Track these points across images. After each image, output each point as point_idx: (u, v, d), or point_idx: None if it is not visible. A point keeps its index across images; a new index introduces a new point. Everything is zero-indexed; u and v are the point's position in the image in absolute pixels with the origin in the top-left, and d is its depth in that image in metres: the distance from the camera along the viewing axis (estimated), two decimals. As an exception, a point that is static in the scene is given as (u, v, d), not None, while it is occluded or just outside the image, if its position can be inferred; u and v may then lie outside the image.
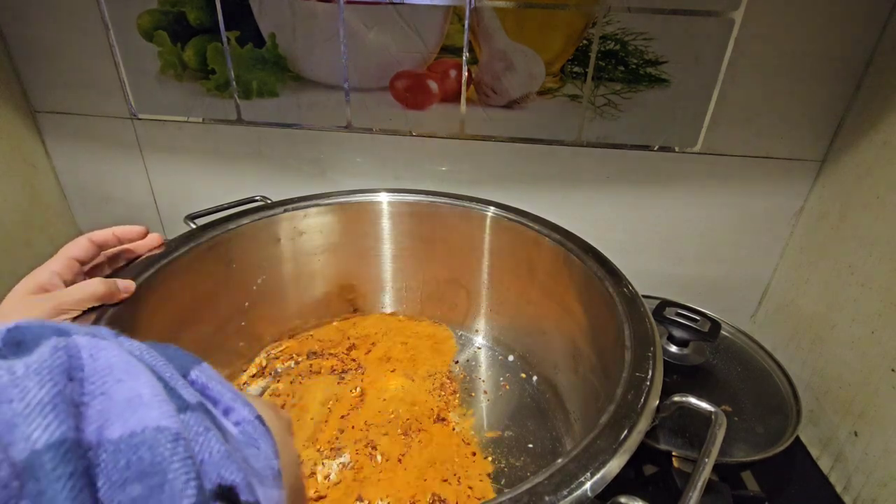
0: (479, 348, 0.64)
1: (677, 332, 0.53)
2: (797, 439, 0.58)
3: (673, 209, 0.67)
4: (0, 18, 0.67)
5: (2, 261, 0.70)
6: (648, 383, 0.36)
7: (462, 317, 0.66)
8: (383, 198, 0.62)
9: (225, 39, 0.64)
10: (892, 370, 0.48)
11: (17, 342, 0.12)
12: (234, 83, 0.66)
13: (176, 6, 0.62)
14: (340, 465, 0.47)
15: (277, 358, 0.60)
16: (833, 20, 0.54)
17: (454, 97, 0.64)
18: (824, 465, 0.56)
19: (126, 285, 0.41)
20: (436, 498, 0.44)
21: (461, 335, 0.65)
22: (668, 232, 0.69)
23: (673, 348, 0.55)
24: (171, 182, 0.76)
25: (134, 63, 0.67)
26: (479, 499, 0.44)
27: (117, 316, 0.40)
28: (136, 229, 0.46)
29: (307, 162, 0.71)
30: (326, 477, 0.46)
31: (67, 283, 0.38)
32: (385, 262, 0.66)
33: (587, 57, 0.59)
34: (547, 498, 0.28)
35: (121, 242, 0.45)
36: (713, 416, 0.35)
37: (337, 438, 0.50)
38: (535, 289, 0.58)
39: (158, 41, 0.65)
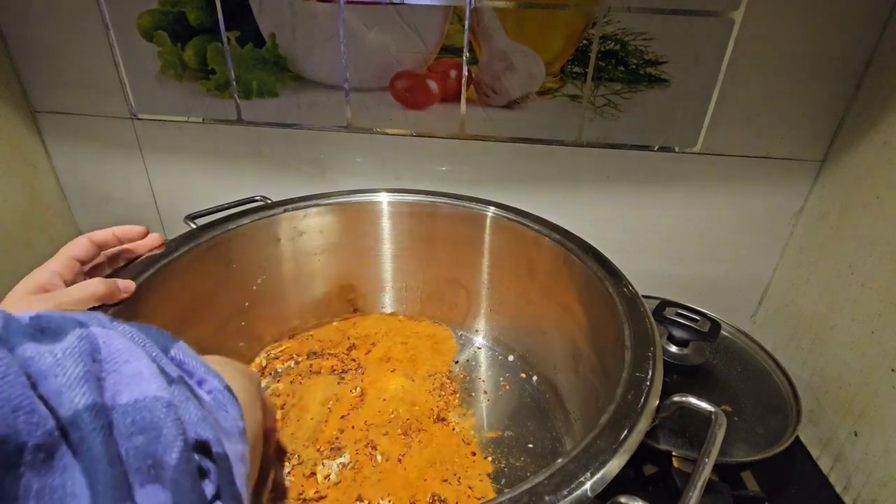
0: (479, 348, 0.64)
1: (677, 332, 0.53)
2: (797, 439, 0.58)
3: (673, 209, 0.67)
4: (0, 18, 0.67)
5: (2, 261, 0.70)
6: (648, 383, 0.36)
7: (462, 317, 0.66)
8: (383, 198, 0.62)
9: (225, 39, 0.64)
10: (892, 370, 0.48)
11: (42, 329, 0.16)
12: (234, 83, 0.66)
13: (176, 6, 0.62)
14: (340, 465, 0.47)
15: (277, 358, 0.60)
16: (833, 20, 0.54)
17: (454, 97, 0.64)
18: (824, 465, 0.56)
19: (126, 285, 0.41)
20: (436, 498, 0.44)
21: (461, 335, 0.65)
22: (668, 232, 0.69)
23: (673, 348, 0.55)
24: (171, 182, 0.76)
25: (134, 63, 0.67)
26: (479, 499, 0.44)
27: (117, 316, 0.40)
28: (136, 229, 0.46)
29: (307, 162, 0.71)
30: (326, 477, 0.46)
31: (68, 283, 0.38)
32: (385, 262, 0.66)
33: (587, 57, 0.59)
34: (547, 498, 0.28)
35: (121, 242, 0.45)
36: (713, 416, 0.35)
37: (337, 438, 0.50)
38: (535, 289, 0.58)
39: (158, 41, 0.65)
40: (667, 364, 0.51)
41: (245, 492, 0.18)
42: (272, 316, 0.62)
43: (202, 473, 0.16)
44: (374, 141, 0.68)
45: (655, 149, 0.64)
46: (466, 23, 0.59)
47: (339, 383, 0.57)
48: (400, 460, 0.48)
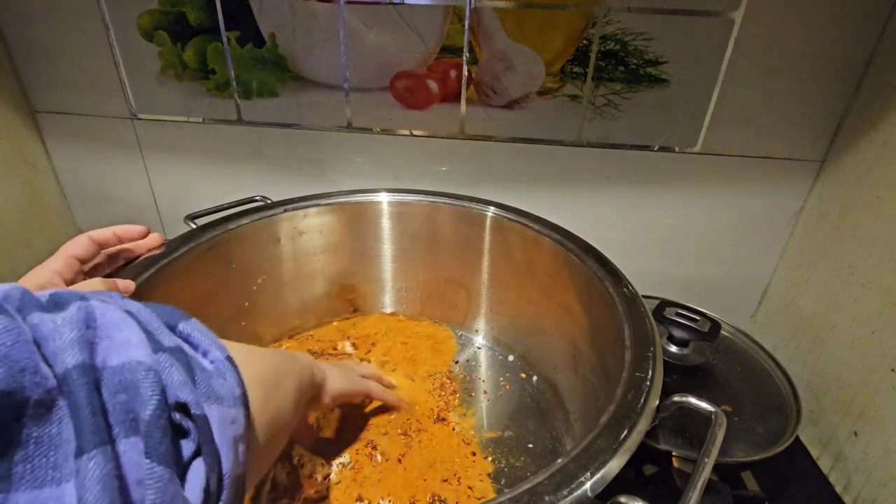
0: (479, 348, 0.64)
1: (677, 332, 0.53)
2: (797, 439, 0.58)
3: (673, 209, 0.67)
4: (0, 18, 0.67)
5: (2, 261, 0.70)
6: (648, 383, 0.36)
7: (462, 317, 0.66)
8: (383, 198, 0.62)
9: (225, 39, 0.64)
10: (892, 370, 0.48)
11: (55, 303, 0.18)
12: (234, 83, 0.66)
13: (176, 6, 0.62)
14: (340, 465, 0.47)
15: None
16: (833, 20, 0.54)
17: (454, 97, 0.64)
18: (824, 465, 0.56)
19: (126, 285, 0.41)
20: (436, 498, 0.44)
21: (461, 335, 0.65)
22: (668, 232, 0.69)
23: (673, 348, 0.55)
24: (171, 182, 0.76)
25: (134, 63, 0.67)
26: (479, 499, 0.44)
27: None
28: (136, 229, 0.46)
29: (307, 162, 0.71)
30: (326, 477, 0.46)
31: (68, 282, 0.38)
32: (385, 262, 0.66)
33: (587, 57, 0.59)
34: (547, 498, 0.28)
35: (121, 242, 0.45)
36: (713, 416, 0.35)
37: (337, 438, 0.50)
38: (535, 289, 0.58)
39: (158, 41, 0.65)
40: (667, 364, 0.51)
41: (230, 451, 0.20)
42: (272, 316, 0.62)
43: (182, 432, 0.19)
44: (374, 141, 0.68)
45: (655, 149, 0.64)
46: (466, 23, 0.59)
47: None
48: (400, 460, 0.48)
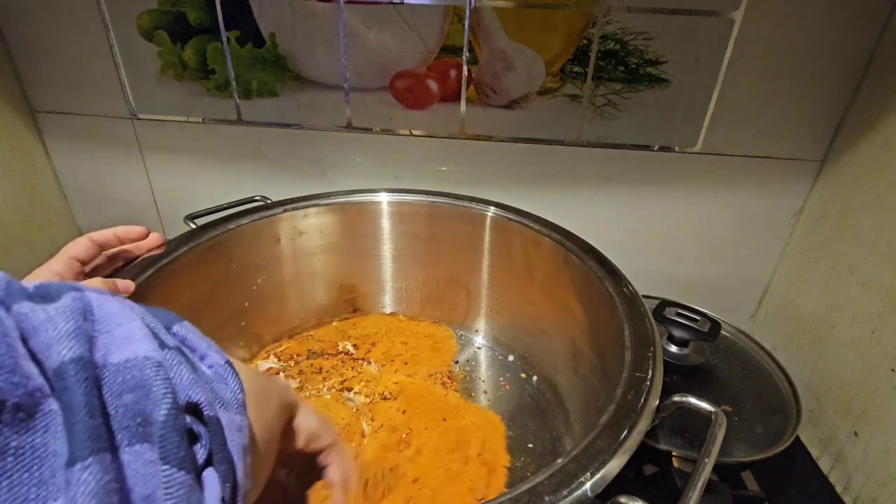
0: (479, 348, 0.64)
1: (677, 332, 0.53)
2: (797, 439, 0.58)
3: (673, 209, 0.67)
4: (0, 18, 0.67)
5: (2, 261, 0.70)
6: (648, 383, 0.36)
7: (462, 317, 0.66)
8: (383, 198, 0.62)
9: (225, 39, 0.64)
10: (892, 370, 0.48)
11: (43, 294, 0.16)
12: (234, 83, 0.66)
13: (176, 6, 0.62)
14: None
15: (278, 358, 0.60)
16: (833, 20, 0.54)
17: (454, 97, 0.64)
18: (824, 465, 0.56)
19: (125, 285, 0.41)
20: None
21: (461, 335, 0.65)
22: (668, 232, 0.69)
23: (673, 348, 0.55)
24: (171, 182, 0.76)
25: (134, 63, 0.67)
26: (479, 499, 0.44)
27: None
28: (137, 230, 0.46)
29: (307, 162, 0.71)
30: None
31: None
32: (385, 262, 0.66)
33: (587, 57, 0.59)
34: (547, 498, 0.28)
35: (122, 243, 0.45)
36: (713, 416, 0.35)
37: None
38: (535, 289, 0.58)
39: (158, 41, 0.65)
40: (667, 364, 0.51)
41: (241, 464, 0.18)
42: (272, 316, 0.62)
43: (193, 437, 0.17)
44: (374, 141, 0.68)
45: (655, 149, 0.64)
46: (466, 23, 0.59)
47: (339, 387, 0.56)
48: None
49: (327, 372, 0.58)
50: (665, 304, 0.55)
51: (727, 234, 0.68)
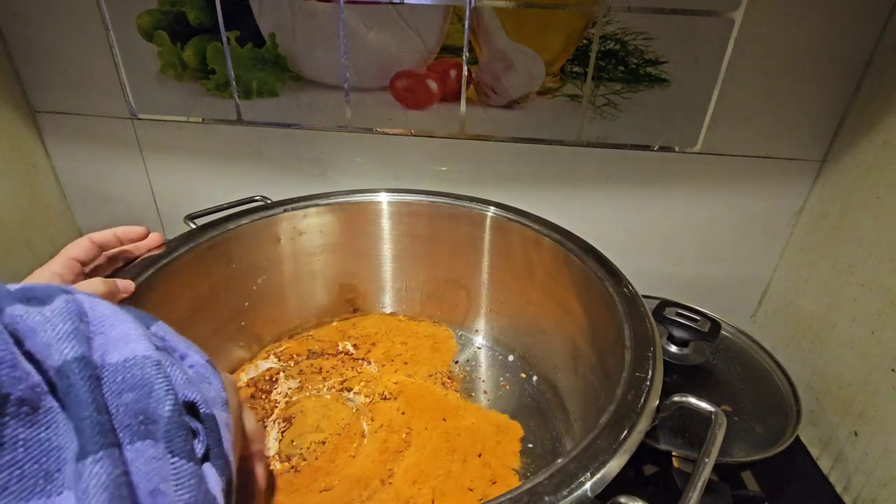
0: (479, 348, 0.64)
1: (677, 332, 0.53)
2: (797, 439, 0.58)
3: (673, 209, 0.67)
4: (0, 18, 0.67)
5: (2, 261, 0.70)
6: (648, 383, 0.36)
7: (462, 317, 0.66)
8: (383, 198, 0.62)
9: (225, 39, 0.64)
10: (892, 370, 0.48)
11: (29, 297, 0.16)
12: (234, 83, 0.66)
13: (176, 6, 0.62)
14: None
15: (278, 358, 0.60)
16: (833, 20, 0.54)
17: (454, 97, 0.64)
18: (824, 465, 0.56)
19: (125, 285, 0.41)
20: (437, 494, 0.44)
21: (461, 335, 0.65)
22: (668, 232, 0.69)
23: (673, 348, 0.55)
24: (171, 182, 0.76)
25: (134, 63, 0.67)
26: (479, 499, 0.44)
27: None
28: (137, 230, 0.46)
29: (307, 162, 0.71)
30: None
31: (68, 284, 0.38)
32: (385, 262, 0.66)
33: (587, 57, 0.59)
34: (547, 498, 0.28)
35: (122, 243, 0.45)
36: (713, 416, 0.35)
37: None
38: (535, 289, 0.58)
39: (158, 41, 0.65)
40: (667, 364, 0.51)
41: (231, 457, 0.18)
42: (272, 316, 0.62)
43: (191, 433, 0.17)
44: (374, 141, 0.68)
45: (655, 149, 0.64)
46: (466, 22, 0.59)
47: (339, 387, 0.56)
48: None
49: (327, 372, 0.58)
50: (665, 304, 0.55)
51: (727, 234, 0.68)
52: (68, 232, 0.81)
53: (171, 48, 0.65)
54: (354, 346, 0.62)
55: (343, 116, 0.67)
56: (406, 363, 0.60)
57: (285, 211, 0.59)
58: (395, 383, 0.57)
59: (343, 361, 0.60)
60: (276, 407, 0.53)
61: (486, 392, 0.57)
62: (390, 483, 0.45)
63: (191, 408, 0.18)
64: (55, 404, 0.14)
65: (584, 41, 0.58)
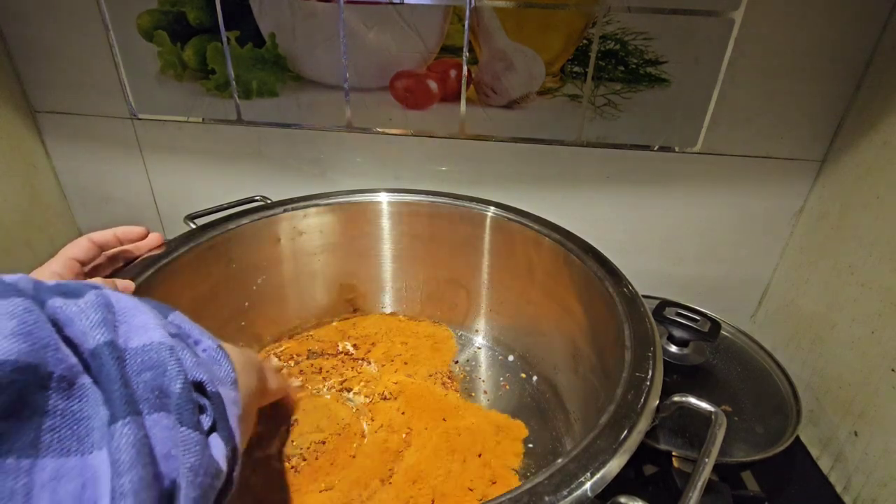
0: (479, 348, 0.64)
1: (677, 332, 0.53)
2: (797, 439, 0.58)
3: (673, 209, 0.67)
4: (0, 18, 0.67)
5: (2, 261, 0.70)
6: (648, 383, 0.36)
7: (462, 317, 0.66)
8: (383, 198, 0.62)
9: (225, 39, 0.64)
10: (892, 370, 0.48)
11: (64, 292, 0.19)
12: (234, 83, 0.66)
13: (176, 6, 0.62)
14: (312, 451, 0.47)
15: (278, 358, 0.60)
16: (833, 20, 0.54)
17: (454, 97, 0.64)
18: (824, 465, 0.56)
19: (125, 285, 0.41)
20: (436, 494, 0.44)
21: (461, 335, 0.65)
22: (668, 232, 0.69)
23: (673, 348, 0.55)
24: (171, 182, 0.76)
25: (134, 63, 0.67)
26: (479, 499, 0.44)
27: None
28: (136, 230, 0.46)
29: (307, 162, 0.71)
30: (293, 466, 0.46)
31: (68, 283, 0.38)
32: (385, 262, 0.66)
33: (587, 57, 0.59)
34: (547, 498, 0.28)
35: (121, 243, 0.45)
36: (713, 416, 0.35)
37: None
38: (535, 289, 0.58)
39: (158, 41, 0.65)
40: (667, 364, 0.51)
41: (237, 431, 0.21)
42: (272, 316, 0.62)
43: (199, 409, 0.20)
44: (374, 141, 0.68)
45: (655, 149, 0.64)
46: (466, 22, 0.59)
47: (339, 387, 0.56)
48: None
49: (327, 372, 0.58)
50: (665, 304, 0.55)
51: (727, 234, 0.68)
52: (68, 232, 0.81)
53: (171, 48, 0.65)
54: (354, 346, 0.62)
55: (343, 116, 0.67)
56: (406, 363, 0.60)
57: (285, 211, 0.59)
58: (395, 383, 0.57)
59: (343, 361, 0.60)
60: (276, 407, 0.53)
61: (486, 392, 0.57)
62: (390, 483, 0.45)
63: (199, 387, 0.20)
64: (88, 381, 0.17)
65: (584, 41, 0.58)
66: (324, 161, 0.71)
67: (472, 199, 0.60)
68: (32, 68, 0.70)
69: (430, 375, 0.58)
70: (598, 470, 0.29)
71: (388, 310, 0.68)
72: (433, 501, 0.44)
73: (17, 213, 0.72)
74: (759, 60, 0.57)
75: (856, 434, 0.52)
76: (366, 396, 0.55)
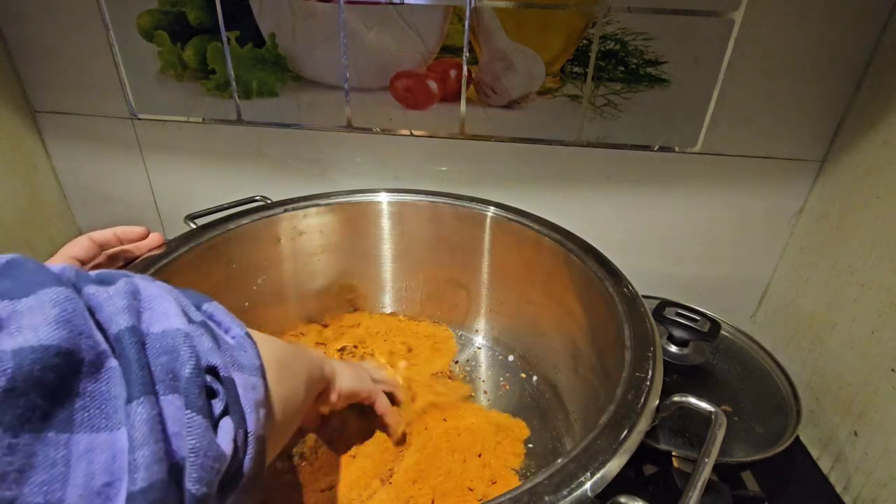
0: (479, 348, 0.64)
1: (677, 332, 0.53)
2: (797, 439, 0.58)
3: (673, 209, 0.67)
4: (0, 18, 0.67)
5: (2, 261, 0.70)
6: (648, 383, 0.36)
7: (462, 317, 0.66)
8: (383, 198, 0.62)
9: (225, 39, 0.64)
10: (892, 370, 0.48)
11: (100, 280, 0.21)
12: (234, 83, 0.66)
13: (176, 6, 0.62)
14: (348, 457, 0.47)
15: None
16: (833, 20, 0.54)
17: (454, 97, 0.64)
18: (824, 465, 0.56)
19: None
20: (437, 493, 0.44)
21: (461, 335, 0.65)
22: (668, 232, 0.69)
23: (673, 348, 0.55)
24: (171, 182, 0.76)
25: (134, 63, 0.67)
26: (479, 499, 0.44)
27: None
28: (137, 230, 0.46)
29: (307, 162, 0.71)
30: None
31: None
32: (385, 262, 0.66)
33: (587, 57, 0.59)
34: (547, 498, 0.28)
35: (122, 243, 0.45)
36: (713, 416, 0.35)
37: (345, 433, 0.50)
38: (535, 289, 0.58)
39: (158, 41, 0.65)
40: (667, 364, 0.51)
41: (253, 416, 0.23)
42: (272, 316, 0.62)
43: (212, 393, 0.21)
44: (374, 141, 0.68)
45: (655, 149, 0.64)
46: (466, 23, 0.59)
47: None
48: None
49: (327, 372, 0.58)
50: (665, 304, 0.55)
51: (727, 234, 0.68)
52: (68, 232, 0.81)
53: (172, 48, 0.65)
54: (354, 346, 0.62)
55: (343, 116, 0.67)
56: (406, 364, 0.60)
57: (285, 211, 0.59)
58: (395, 383, 0.56)
59: (343, 361, 0.60)
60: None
61: (486, 392, 0.57)
62: (390, 483, 0.45)
63: (213, 371, 0.22)
64: (114, 364, 0.18)
65: (584, 41, 0.58)
66: (324, 161, 0.71)
67: (472, 199, 0.60)
68: (32, 68, 0.70)
69: (431, 375, 0.58)
70: (598, 470, 0.29)
71: (388, 310, 0.68)
72: (433, 501, 0.44)
73: (17, 213, 0.72)
74: (759, 60, 0.57)
75: (856, 434, 0.52)
76: (366, 396, 0.55)
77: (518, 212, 0.58)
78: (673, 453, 0.46)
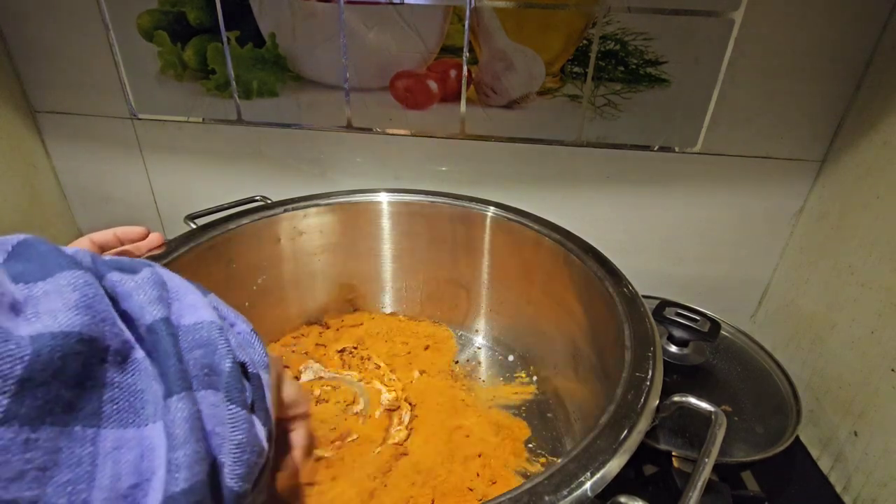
0: (479, 348, 0.64)
1: (677, 332, 0.53)
2: (797, 439, 0.58)
3: (673, 209, 0.67)
4: (0, 18, 0.67)
5: (2, 261, 0.70)
6: (648, 383, 0.36)
7: (462, 317, 0.66)
8: (383, 198, 0.62)
9: (225, 39, 0.64)
10: (892, 370, 0.48)
11: (119, 267, 0.20)
12: (234, 83, 0.66)
13: (176, 6, 0.62)
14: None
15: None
16: (833, 20, 0.54)
17: (454, 97, 0.64)
18: (824, 465, 0.56)
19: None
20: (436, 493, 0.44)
21: (461, 335, 0.65)
22: (668, 232, 0.69)
23: (673, 348, 0.55)
24: (171, 182, 0.76)
25: (134, 63, 0.67)
26: (479, 499, 0.44)
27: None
28: (137, 230, 0.46)
29: (307, 162, 0.71)
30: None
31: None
32: (385, 262, 0.66)
33: (587, 57, 0.59)
34: (547, 498, 0.28)
35: (122, 243, 0.45)
36: (713, 416, 0.35)
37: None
38: (535, 289, 0.58)
39: (158, 41, 0.65)
40: (667, 364, 0.51)
41: (271, 410, 0.22)
42: (272, 316, 0.62)
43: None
44: (374, 141, 0.68)
45: (655, 149, 0.64)
46: (466, 23, 0.59)
47: (338, 388, 0.57)
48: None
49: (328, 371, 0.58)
50: (665, 304, 0.55)
51: (727, 234, 0.68)
52: (68, 232, 0.81)
53: (172, 48, 0.65)
54: (354, 346, 0.62)
55: (343, 116, 0.67)
56: (406, 363, 0.60)
57: (285, 211, 0.59)
58: (396, 382, 0.56)
59: (343, 361, 0.60)
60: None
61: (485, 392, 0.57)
62: (390, 483, 0.45)
63: (242, 367, 0.21)
64: (141, 355, 0.17)
65: (584, 41, 0.58)
66: (324, 161, 0.71)
67: (472, 199, 0.60)
68: (32, 68, 0.70)
69: (431, 376, 0.58)
70: (598, 470, 0.29)
71: (388, 310, 0.68)
72: (433, 501, 0.44)
73: (17, 213, 0.72)
74: (759, 60, 0.57)
75: (856, 434, 0.52)
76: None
77: (518, 212, 0.58)
78: (673, 453, 0.46)
